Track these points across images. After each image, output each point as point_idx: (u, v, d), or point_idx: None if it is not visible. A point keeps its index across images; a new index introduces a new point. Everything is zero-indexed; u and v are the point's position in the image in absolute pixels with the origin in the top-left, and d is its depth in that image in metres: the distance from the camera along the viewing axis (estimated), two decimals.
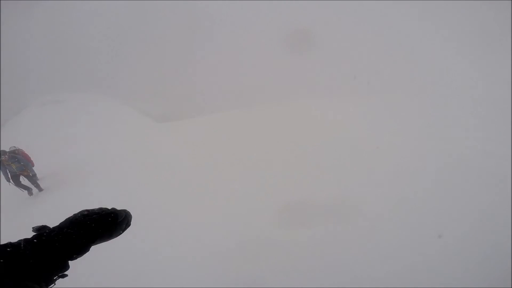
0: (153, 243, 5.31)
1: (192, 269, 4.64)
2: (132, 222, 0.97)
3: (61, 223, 0.86)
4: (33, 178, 7.53)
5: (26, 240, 0.77)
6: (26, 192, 7.47)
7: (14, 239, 0.78)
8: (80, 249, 0.83)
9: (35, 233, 0.81)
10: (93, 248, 0.87)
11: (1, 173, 7.17)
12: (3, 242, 0.75)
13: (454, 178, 5.57)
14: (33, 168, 7.71)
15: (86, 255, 0.85)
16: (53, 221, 0.92)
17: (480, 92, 9.52)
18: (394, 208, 5.02)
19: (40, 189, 7.62)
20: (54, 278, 0.79)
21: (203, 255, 4.86)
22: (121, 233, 0.93)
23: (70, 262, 0.82)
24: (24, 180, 7.44)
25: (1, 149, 7.17)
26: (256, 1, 14.96)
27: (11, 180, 7.16)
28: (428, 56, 12.20)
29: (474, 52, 11.31)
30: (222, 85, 13.71)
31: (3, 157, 6.94)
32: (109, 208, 0.94)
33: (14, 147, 7.37)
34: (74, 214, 0.89)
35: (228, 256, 4.77)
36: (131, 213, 0.99)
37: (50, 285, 0.78)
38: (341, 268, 4.24)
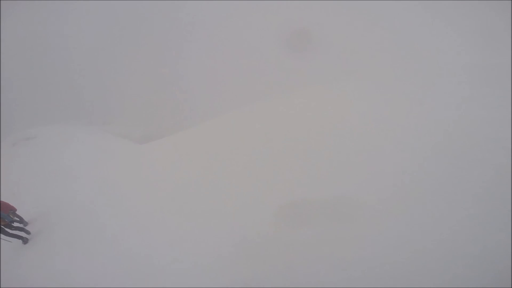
0: (152, 245, 5.28)
1: (191, 269, 4.63)
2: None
3: None
4: (15, 225, 7.11)
5: None
6: (20, 241, 7.04)
7: None
8: None
9: None
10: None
11: None
12: None
13: (456, 162, 5.30)
14: (15, 212, 7.32)
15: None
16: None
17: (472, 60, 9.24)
18: (393, 206, 4.87)
19: (27, 233, 7.22)
20: None
21: (201, 255, 4.85)
22: None
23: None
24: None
25: None
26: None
27: None
28: (425, 47, 12.05)
29: (472, 39, 11.15)
30: (205, 93, 13.34)
31: None
32: None
33: None
34: None
35: (227, 256, 4.75)
36: None
37: None
38: (341, 267, 4.18)
